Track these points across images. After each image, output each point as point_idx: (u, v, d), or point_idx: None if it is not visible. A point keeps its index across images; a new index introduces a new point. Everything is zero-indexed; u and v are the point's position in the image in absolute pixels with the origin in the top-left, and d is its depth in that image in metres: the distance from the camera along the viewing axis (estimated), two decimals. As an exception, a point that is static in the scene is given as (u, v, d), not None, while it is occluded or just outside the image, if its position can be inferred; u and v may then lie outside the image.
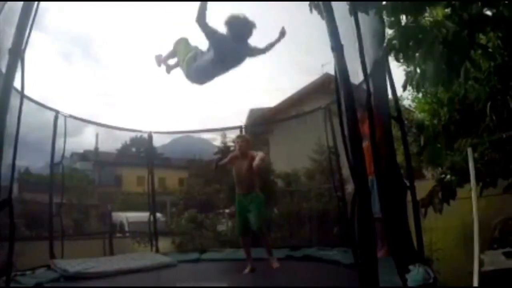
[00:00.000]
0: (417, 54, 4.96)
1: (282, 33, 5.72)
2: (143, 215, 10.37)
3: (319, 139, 11.70)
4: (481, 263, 5.59)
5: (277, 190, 12.71)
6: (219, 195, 14.50)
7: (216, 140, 19.51)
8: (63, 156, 7.65)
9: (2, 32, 3.22)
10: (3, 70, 2.88)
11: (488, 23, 4.77)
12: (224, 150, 18.39)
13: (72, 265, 6.49)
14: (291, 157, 14.29)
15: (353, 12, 3.72)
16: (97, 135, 25.57)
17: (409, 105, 10.55)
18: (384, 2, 4.68)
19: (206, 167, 18.50)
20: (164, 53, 6.11)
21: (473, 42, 4.69)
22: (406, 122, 8.32)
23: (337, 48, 3.04)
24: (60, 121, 7.56)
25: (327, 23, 3.09)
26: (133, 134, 15.81)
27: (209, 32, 5.00)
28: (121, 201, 20.74)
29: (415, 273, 4.11)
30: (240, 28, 5.21)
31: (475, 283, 5.47)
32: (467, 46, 4.55)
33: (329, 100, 8.56)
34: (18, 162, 3.06)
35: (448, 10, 4.96)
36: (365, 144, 3.50)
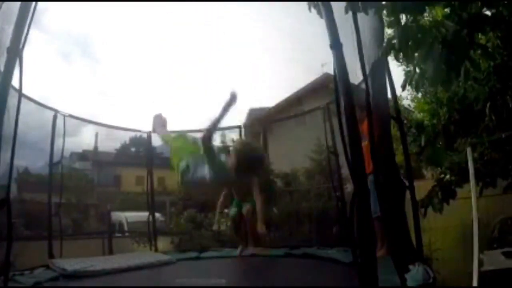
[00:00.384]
0: (416, 54, 4.97)
1: (233, 98, 5.19)
2: (142, 215, 10.36)
3: (318, 139, 11.70)
4: (480, 263, 5.60)
5: (276, 190, 12.71)
6: (218, 195, 14.47)
7: (215, 140, 19.51)
8: (62, 155, 7.63)
9: (1, 31, 3.22)
10: (1, 69, 2.87)
11: (487, 22, 4.77)
12: (223, 149, 18.38)
13: (71, 264, 6.47)
14: (290, 157, 14.29)
15: (352, 12, 3.71)
16: (96, 135, 25.57)
17: (409, 105, 10.56)
18: (383, 2, 4.69)
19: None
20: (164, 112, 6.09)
21: (472, 42, 4.68)
22: (405, 122, 8.33)
23: (336, 46, 3.03)
24: (59, 120, 7.54)
25: (326, 21, 3.09)
26: (132, 134, 15.82)
27: (211, 158, 4.69)
28: (120, 201, 20.75)
29: (415, 272, 4.11)
30: (249, 163, 4.64)
31: (475, 283, 5.48)
32: (466, 46, 4.54)
33: (329, 100, 8.56)
34: (17, 162, 3.06)
35: (447, 10, 4.96)
36: (364, 143, 3.50)
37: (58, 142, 7.54)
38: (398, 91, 5.75)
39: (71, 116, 7.86)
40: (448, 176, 7.33)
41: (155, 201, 9.98)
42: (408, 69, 5.82)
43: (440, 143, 7.41)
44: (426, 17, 5.41)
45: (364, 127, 3.71)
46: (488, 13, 4.91)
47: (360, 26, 3.71)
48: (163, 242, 10.14)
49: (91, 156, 29.51)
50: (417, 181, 6.26)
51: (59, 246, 7.26)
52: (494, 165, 6.94)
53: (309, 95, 18.55)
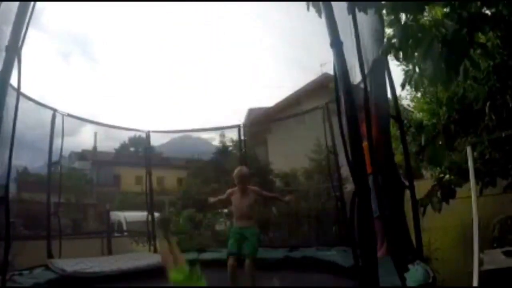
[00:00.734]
0: (416, 53, 4.96)
1: None
2: (141, 215, 10.35)
3: (318, 139, 11.69)
4: (480, 262, 5.59)
5: (275, 190, 12.69)
6: (217, 194, 14.47)
7: (215, 140, 19.48)
8: (61, 155, 7.64)
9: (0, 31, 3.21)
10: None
11: (487, 22, 4.76)
12: (223, 150, 18.36)
13: (70, 265, 6.47)
14: (290, 156, 14.28)
15: (351, 11, 3.71)
16: (95, 135, 25.60)
17: (408, 105, 10.54)
18: (383, 1, 4.68)
19: (205, 167, 18.50)
20: None
21: (472, 41, 4.68)
22: (405, 121, 8.32)
23: (336, 44, 3.03)
24: (58, 120, 7.54)
25: (326, 20, 3.09)
26: (131, 134, 15.77)
27: None
28: (119, 201, 20.74)
29: (414, 272, 4.11)
30: None
31: (475, 283, 5.47)
32: (466, 45, 4.53)
33: (328, 100, 8.56)
34: (16, 162, 3.05)
35: (447, 10, 4.95)
36: (365, 144, 3.49)
37: (57, 142, 7.55)
38: (398, 90, 5.75)
39: (69, 115, 7.86)
40: (447, 176, 7.32)
41: (154, 201, 9.99)
42: (408, 68, 5.80)
43: (440, 142, 7.40)
44: (426, 17, 5.40)
45: (363, 127, 3.70)
46: (488, 12, 4.90)
47: (360, 26, 3.71)
48: (162, 242, 10.11)
49: (90, 156, 29.48)
50: (416, 181, 6.25)
51: (58, 246, 7.26)
52: (494, 164, 6.93)
53: (308, 95, 18.53)
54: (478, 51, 5.26)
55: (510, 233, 7.01)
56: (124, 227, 16.97)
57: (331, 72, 3.19)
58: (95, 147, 28.86)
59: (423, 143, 7.35)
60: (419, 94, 8.96)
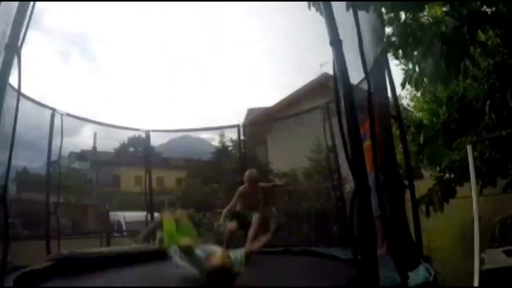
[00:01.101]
0: (415, 52, 4.96)
1: None
2: (141, 215, 10.34)
3: (317, 139, 11.69)
4: (481, 262, 5.58)
5: (275, 190, 12.69)
6: (217, 194, 14.50)
7: (214, 140, 19.52)
8: (59, 155, 7.62)
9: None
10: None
11: (487, 20, 4.76)
12: (222, 149, 18.38)
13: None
14: (289, 156, 14.28)
15: (353, 9, 3.70)
16: (95, 135, 25.59)
17: (408, 104, 10.55)
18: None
19: (204, 167, 18.50)
20: None
21: (472, 39, 4.68)
22: (404, 121, 8.31)
23: (336, 43, 3.03)
24: (57, 119, 7.52)
25: (325, 19, 3.09)
26: (131, 134, 15.80)
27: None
28: (118, 201, 20.73)
29: (415, 271, 4.10)
30: None
31: (476, 283, 5.46)
32: (466, 43, 4.53)
33: (327, 100, 8.55)
34: (15, 162, 3.04)
35: (446, 8, 4.95)
36: (365, 144, 3.48)
37: (56, 142, 7.53)
38: (398, 89, 5.74)
39: (69, 115, 7.84)
40: (447, 175, 7.32)
41: (153, 201, 9.98)
42: (407, 68, 5.80)
43: (439, 142, 7.40)
44: (425, 16, 5.40)
45: (363, 127, 3.70)
46: (488, 11, 4.91)
47: (360, 25, 3.71)
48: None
49: (90, 156, 29.46)
50: (416, 180, 6.25)
51: (57, 246, 7.25)
52: (494, 163, 6.93)
53: (307, 95, 18.52)
54: (478, 50, 5.26)
55: (510, 232, 7.00)
56: (124, 227, 16.96)
57: (331, 72, 3.19)
58: (94, 147, 28.85)
59: (421, 141, 7.35)
60: (419, 94, 8.97)
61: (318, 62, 24.88)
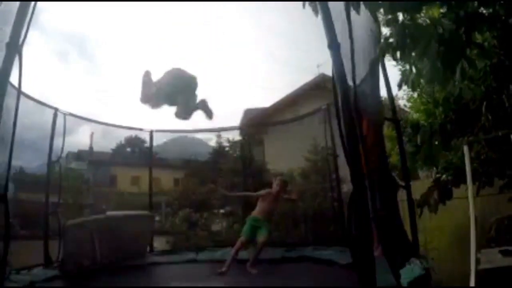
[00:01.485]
0: (413, 53, 4.97)
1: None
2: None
3: (314, 140, 11.71)
4: (477, 262, 5.60)
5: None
6: (214, 195, 14.50)
7: (211, 141, 19.48)
8: (61, 155, 7.64)
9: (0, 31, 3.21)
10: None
11: (484, 21, 4.78)
12: (219, 150, 18.36)
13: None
14: (286, 157, 14.27)
15: (345, 11, 3.72)
16: (91, 135, 25.50)
17: (404, 105, 10.57)
18: (380, 1, 4.69)
19: (201, 167, 18.47)
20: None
21: (469, 40, 4.70)
22: (401, 122, 8.34)
23: (334, 46, 3.04)
24: (58, 119, 7.54)
25: (323, 21, 3.10)
26: (128, 134, 15.78)
27: None
28: (115, 201, 20.68)
29: (410, 269, 4.13)
30: None
31: (472, 283, 5.48)
32: (463, 44, 4.55)
33: (325, 101, 8.59)
34: (13, 162, 3.04)
35: (443, 10, 4.97)
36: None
37: (55, 141, 7.54)
38: (394, 90, 5.75)
39: (71, 114, 7.85)
40: (444, 176, 7.34)
41: (150, 201, 10.00)
42: (404, 68, 5.82)
43: (436, 142, 7.41)
44: (423, 16, 5.41)
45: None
46: (484, 12, 4.92)
47: (355, 26, 3.73)
48: (158, 242, 10.13)
49: (87, 156, 29.38)
50: (412, 181, 6.27)
51: (55, 246, 7.25)
52: (491, 164, 6.95)
53: (305, 96, 18.52)
54: (475, 51, 5.28)
55: (506, 233, 7.02)
56: (121, 227, 16.93)
57: (328, 72, 3.21)
58: (91, 147, 28.77)
59: (418, 142, 7.37)
60: (415, 95, 8.99)
61: (315, 63, 24.88)
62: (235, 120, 19.35)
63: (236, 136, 13.08)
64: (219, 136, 18.95)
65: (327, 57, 3.08)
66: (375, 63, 4.80)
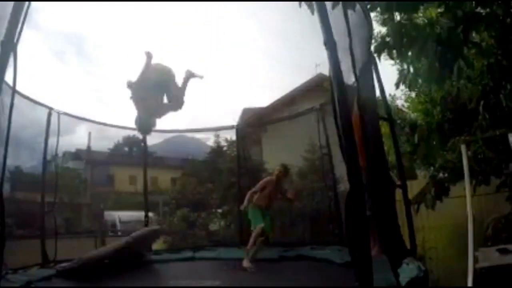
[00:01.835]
0: (409, 53, 4.97)
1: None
2: (135, 214, 10.35)
3: (312, 139, 11.70)
4: (475, 260, 5.60)
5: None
6: (211, 194, 14.49)
7: (209, 140, 19.45)
8: (56, 154, 7.60)
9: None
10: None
11: (481, 20, 4.78)
12: (217, 150, 18.34)
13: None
14: (284, 156, 14.24)
15: (343, 10, 3.72)
16: (89, 134, 25.47)
17: (402, 105, 10.56)
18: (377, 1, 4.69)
19: (199, 166, 18.45)
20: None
21: (467, 39, 4.70)
22: (399, 121, 8.33)
23: (330, 44, 3.03)
24: (53, 119, 7.50)
25: (320, 20, 3.09)
26: (125, 134, 15.78)
27: None
28: (113, 200, 20.68)
29: (407, 268, 4.13)
30: None
31: (470, 283, 5.47)
32: (460, 43, 4.55)
33: (322, 100, 8.57)
34: (9, 161, 3.02)
35: (441, 10, 4.97)
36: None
37: (51, 141, 7.50)
38: (392, 90, 5.75)
39: (65, 113, 7.82)
40: (441, 174, 7.34)
41: (148, 200, 9.97)
42: (402, 68, 5.82)
43: (434, 142, 7.42)
44: (420, 17, 5.42)
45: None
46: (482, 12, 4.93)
47: (351, 26, 3.73)
48: (156, 242, 10.11)
49: (84, 156, 29.35)
50: (410, 181, 6.26)
51: (52, 245, 7.23)
52: (488, 163, 6.95)
53: (302, 95, 18.50)
54: (473, 50, 5.28)
55: (503, 231, 7.03)
56: (118, 227, 16.96)
57: (326, 72, 3.21)
58: (89, 147, 28.76)
59: (416, 140, 7.37)
60: (413, 94, 8.99)
61: (313, 63, 24.85)
62: (234, 119, 19.32)
63: (234, 135, 13.08)
64: (217, 136, 18.94)
65: (325, 57, 3.07)
66: (369, 62, 4.79)
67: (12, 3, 2.96)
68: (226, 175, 13.43)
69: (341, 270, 5.80)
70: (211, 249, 8.80)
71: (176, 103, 7.00)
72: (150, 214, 10.97)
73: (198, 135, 16.63)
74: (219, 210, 13.74)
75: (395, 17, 4.79)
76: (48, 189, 7.79)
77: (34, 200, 8.61)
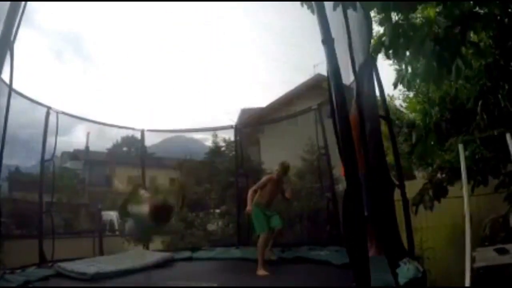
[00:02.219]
0: (407, 53, 4.97)
1: None
2: (134, 215, 10.30)
3: (310, 139, 11.71)
4: (473, 260, 5.60)
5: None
6: (210, 194, 14.49)
7: (208, 140, 19.43)
8: (54, 154, 7.59)
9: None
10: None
11: (479, 20, 4.78)
12: (215, 150, 18.34)
13: (79, 267, 6.45)
14: (282, 156, 14.23)
15: (343, 10, 3.72)
16: (87, 134, 25.44)
17: (400, 105, 10.57)
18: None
19: (197, 167, 18.45)
20: None
21: (464, 39, 4.70)
22: (397, 122, 8.34)
23: (328, 42, 3.04)
24: (52, 118, 7.50)
25: (318, 18, 3.10)
26: (124, 134, 15.74)
27: None
28: (111, 200, 20.63)
29: (405, 268, 4.12)
30: None
31: (467, 282, 5.47)
32: (458, 43, 4.55)
33: (321, 100, 8.58)
34: (8, 161, 3.02)
35: (439, 9, 4.97)
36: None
37: (50, 141, 7.50)
38: (390, 90, 5.74)
39: (64, 113, 7.81)
40: (439, 175, 7.34)
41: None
42: (400, 68, 5.82)
43: (432, 142, 7.42)
44: (418, 17, 5.42)
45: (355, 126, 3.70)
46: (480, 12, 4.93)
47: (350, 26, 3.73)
48: (154, 242, 10.10)
49: (82, 156, 29.30)
50: (408, 181, 6.26)
51: (50, 245, 7.22)
52: (486, 163, 6.95)
53: (301, 95, 18.53)
54: (471, 50, 5.28)
55: (501, 231, 7.03)
56: (116, 227, 16.92)
57: (324, 72, 3.20)
58: (87, 147, 28.70)
59: (413, 140, 7.37)
60: (411, 94, 8.99)
61: (312, 63, 24.86)
62: (233, 119, 19.33)
63: (232, 135, 13.07)
64: (215, 136, 18.93)
65: (323, 57, 3.08)
66: (369, 61, 4.79)
67: (8, 2, 2.96)
68: (224, 175, 13.43)
69: (339, 271, 5.81)
70: (210, 249, 8.80)
71: None
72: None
73: (196, 136, 16.63)
74: (217, 210, 13.74)
75: (392, 17, 4.79)
76: (47, 189, 7.77)
77: (32, 200, 8.59)
